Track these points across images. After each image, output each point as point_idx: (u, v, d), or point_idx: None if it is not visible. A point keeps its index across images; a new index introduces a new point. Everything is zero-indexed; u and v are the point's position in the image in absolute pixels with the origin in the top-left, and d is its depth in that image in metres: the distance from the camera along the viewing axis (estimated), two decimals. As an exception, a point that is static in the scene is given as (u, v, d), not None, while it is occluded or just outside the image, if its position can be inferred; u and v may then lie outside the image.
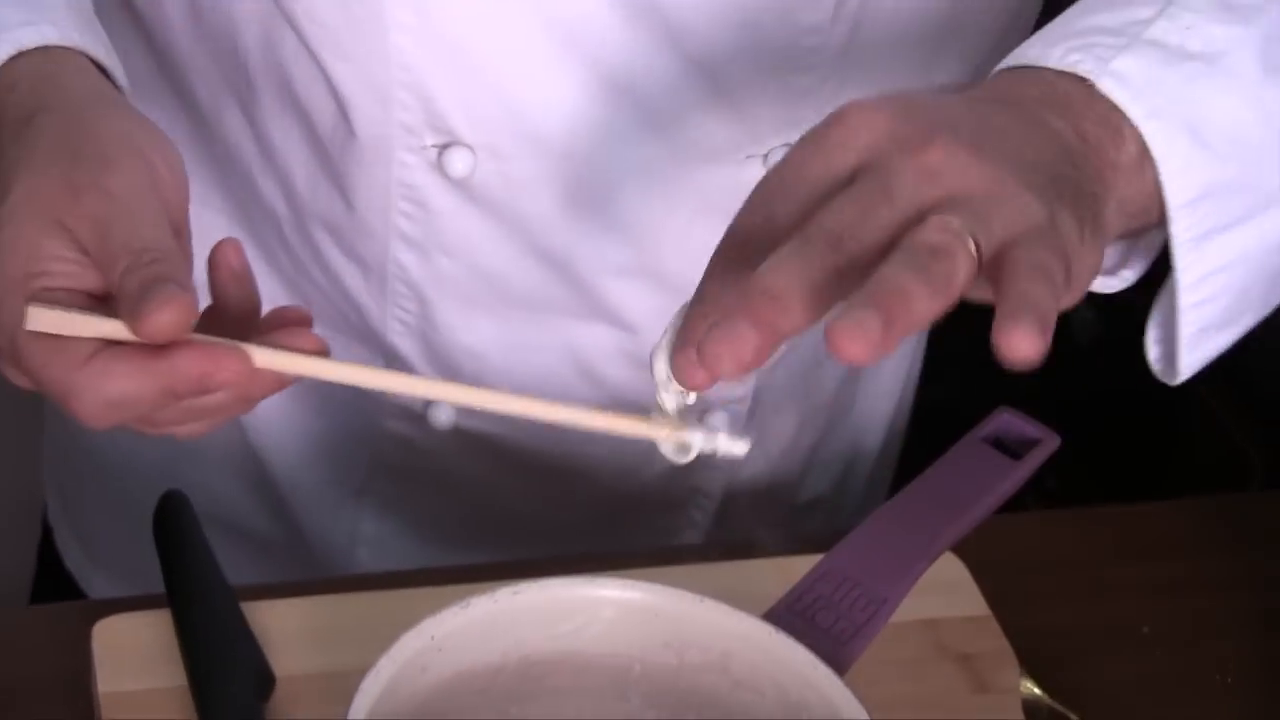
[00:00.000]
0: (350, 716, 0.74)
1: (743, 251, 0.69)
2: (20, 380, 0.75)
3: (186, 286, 0.70)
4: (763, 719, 0.81)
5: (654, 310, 1.01)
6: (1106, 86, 0.75)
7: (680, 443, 0.73)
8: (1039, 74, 0.76)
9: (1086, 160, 0.73)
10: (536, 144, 0.97)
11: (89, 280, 0.73)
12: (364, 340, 1.06)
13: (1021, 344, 0.63)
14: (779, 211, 0.69)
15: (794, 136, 0.94)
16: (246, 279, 0.76)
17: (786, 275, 0.64)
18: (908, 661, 0.93)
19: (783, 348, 0.66)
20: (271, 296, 1.07)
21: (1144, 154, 0.75)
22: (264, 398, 0.75)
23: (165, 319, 0.69)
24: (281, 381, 0.74)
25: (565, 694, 0.84)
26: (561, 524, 1.12)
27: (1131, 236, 0.79)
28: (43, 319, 0.71)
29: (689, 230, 0.99)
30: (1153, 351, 0.83)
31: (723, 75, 0.94)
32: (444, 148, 0.96)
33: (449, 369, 1.05)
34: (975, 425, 0.88)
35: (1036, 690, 0.94)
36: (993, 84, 0.77)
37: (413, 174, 0.98)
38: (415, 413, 1.07)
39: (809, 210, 0.68)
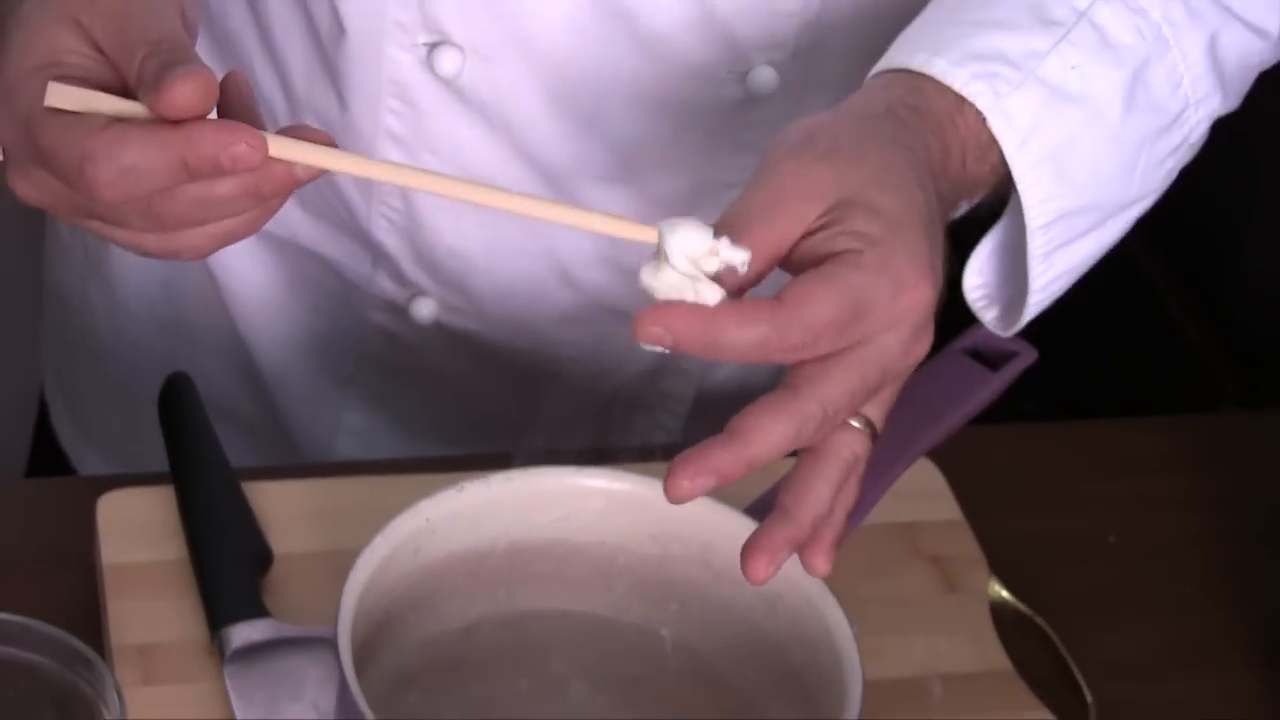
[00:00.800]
0: (345, 593, 0.77)
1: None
2: (28, 190, 0.75)
3: (204, 68, 0.70)
4: (742, 609, 0.84)
5: (631, 213, 1.00)
6: (996, 125, 0.81)
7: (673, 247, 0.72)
8: (942, 91, 0.81)
9: (941, 194, 0.79)
10: (526, 48, 0.97)
11: (104, 76, 0.73)
12: (351, 235, 1.07)
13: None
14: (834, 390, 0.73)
15: (775, 56, 0.98)
16: (250, 102, 0.75)
17: (773, 440, 0.71)
18: (882, 561, 0.95)
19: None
20: None
21: (998, 169, 0.82)
22: (274, 197, 0.73)
23: (185, 92, 0.69)
24: (291, 180, 0.72)
25: (551, 580, 0.86)
26: (537, 424, 1.12)
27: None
28: (63, 95, 0.71)
29: (670, 142, 1.00)
30: (976, 289, 0.89)
31: None
32: (434, 46, 0.97)
33: (433, 267, 1.06)
34: (954, 338, 0.91)
35: (1004, 593, 0.97)
36: (897, 104, 0.80)
37: (403, 71, 0.99)
38: (399, 306, 1.08)
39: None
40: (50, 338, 1.26)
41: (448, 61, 0.97)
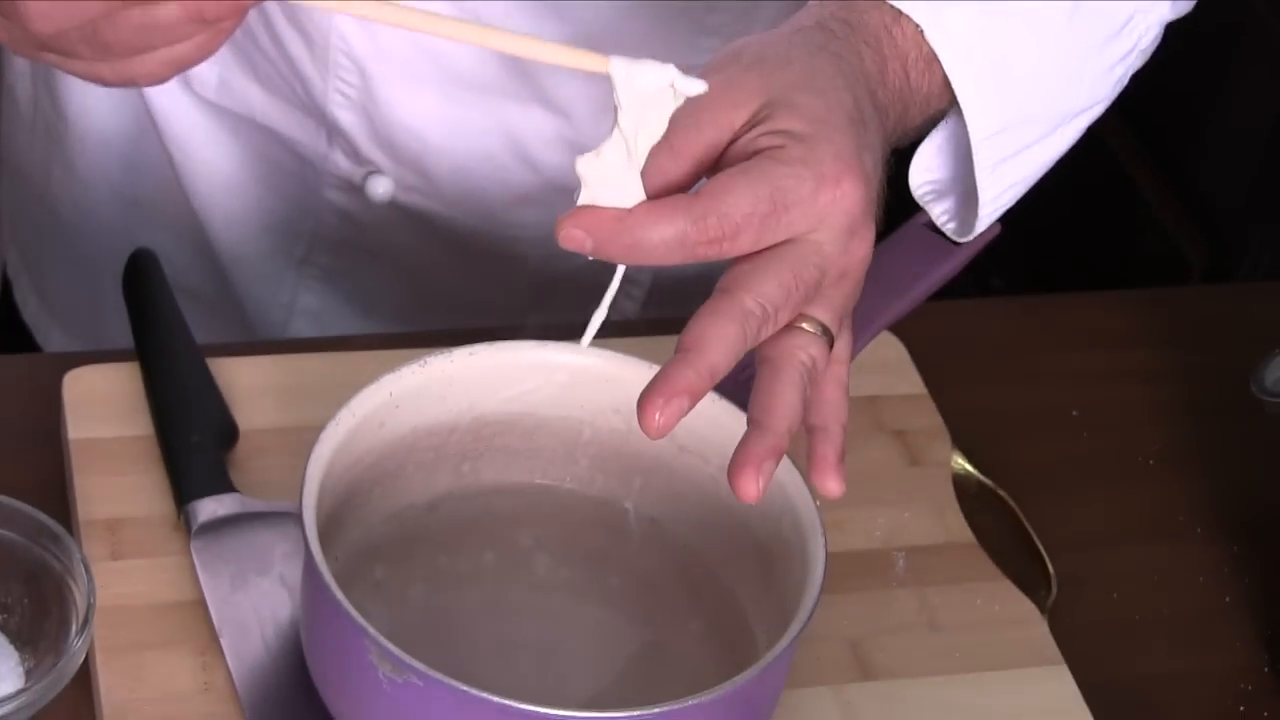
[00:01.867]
0: (309, 467, 0.78)
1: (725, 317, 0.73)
2: None
3: None
4: (706, 483, 0.85)
5: (591, 99, 1.02)
6: (933, 37, 0.80)
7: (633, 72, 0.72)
8: (875, 6, 0.80)
9: (880, 106, 0.79)
10: None
11: None
12: (307, 112, 1.07)
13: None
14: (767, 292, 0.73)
15: None
16: None
17: (721, 346, 0.71)
18: (846, 434, 0.96)
19: None
20: (220, 60, 1.08)
21: (940, 91, 0.82)
22: (219, 21, 0.71)
23: None
24: (235, 5, 0.71)
25: (516, 453, 0.87)
26: (494, 305, 1.13)
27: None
28: None
29: (628, 20, 1.00)
30: (923, 189, 0.89)
31: None
32: None
33: (389, 145, 1.06)
34: (917, 212, 0.91)
35: (967, 466, 0.98)
36: (829, 20, 0.80)
37: None
38: (354, 184, 1.08)
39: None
40: (10, 215, 1.26)
41: None
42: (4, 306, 1.27)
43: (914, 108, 0.82)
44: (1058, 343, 1.10)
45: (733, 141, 0.74)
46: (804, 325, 0.74)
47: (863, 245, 0.74)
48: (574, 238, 0.71)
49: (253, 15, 1.03)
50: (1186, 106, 0.89)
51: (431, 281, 1.14)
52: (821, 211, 0.72)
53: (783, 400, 0.73)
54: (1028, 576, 0.94)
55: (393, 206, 1.08)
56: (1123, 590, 0.96)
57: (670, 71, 0.70)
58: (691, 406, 0.70)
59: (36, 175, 1.20)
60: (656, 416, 0.70)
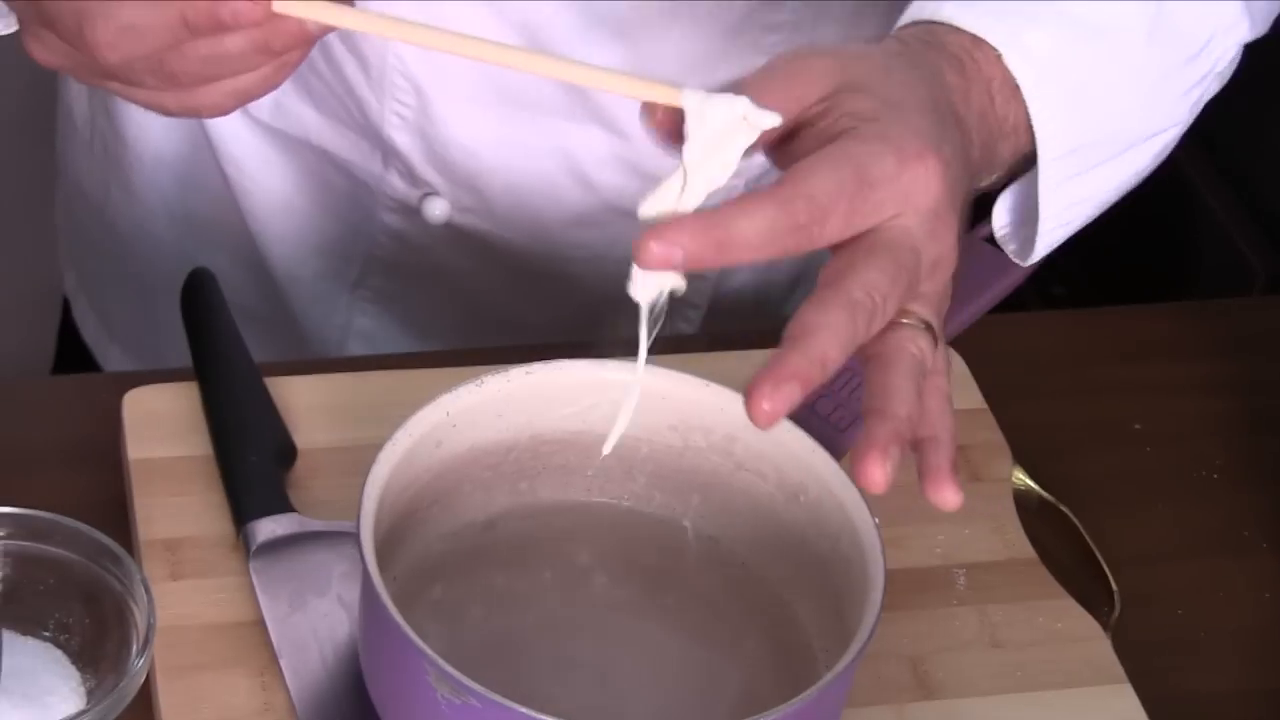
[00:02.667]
0: (367, 486, 0.78)
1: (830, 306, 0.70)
2: (41, 52, 0.75)
3: None
4: (764, 500, 0.84)
5: (663, 52, 1.02)
6: (1012, 61, 0.79)
7: (702, 102, 0.71)
8: (955, 31, 0.79)
9: (966, 126, 0.78)
10: None
11: None
12: (363, 134, 1.07)
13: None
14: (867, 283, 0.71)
15: None
16: None
17: (832, 336, 0.68)
18: (904, 451, 0.95)
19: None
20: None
21: (1019, 125, 0.80)
22: (285, 53, 0.72)
23: None
24: (302, 35, 0.71)
25: (574, 472, 0.87)
26: (549, 326, 1.12)
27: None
28: None
29: (685, 37, 1.00)
30: (1002, 227, 0.88)
31: None
32: None
33: (445, 166, 1.06)
34: (976, 226, 0.90)
35: (1028, 481, 0.97)
36: (911, 39, 0.80)
37: None
38: (411, 206, 1.08)
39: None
40: (69, 236, 1.26)
41: None
42: (64, 326, 1.27)
43: (1002, 139, 0.81)
44: (1119, 355, 1.09)
45: (805, 126, 0.72)
46: (907, 320, 0.72)
47: (949, 232, 0.73)
48: (662, 254, 0.67)
49: (314, 49, 1.03)
50: (1250, 113, 0.88)
51: (486, 303, 1.14)
52: (906, 189, 0.71)
53: (897, 388, 0.71)
54: (1090, 593, 0.93)
55: (448, 228, 1.08)
56: (1187, 606, 0.95)
57: (743, 104, 0.69)
58: (802, 395, 0.67)
59: (95, 196, 1.21)
60: (765, 404, 0.67)
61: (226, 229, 1.14)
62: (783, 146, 0.73)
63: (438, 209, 1.07)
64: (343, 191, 1.11)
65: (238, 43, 0.71)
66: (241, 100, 0.75)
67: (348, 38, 1.02)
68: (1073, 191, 0.85)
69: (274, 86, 0.75)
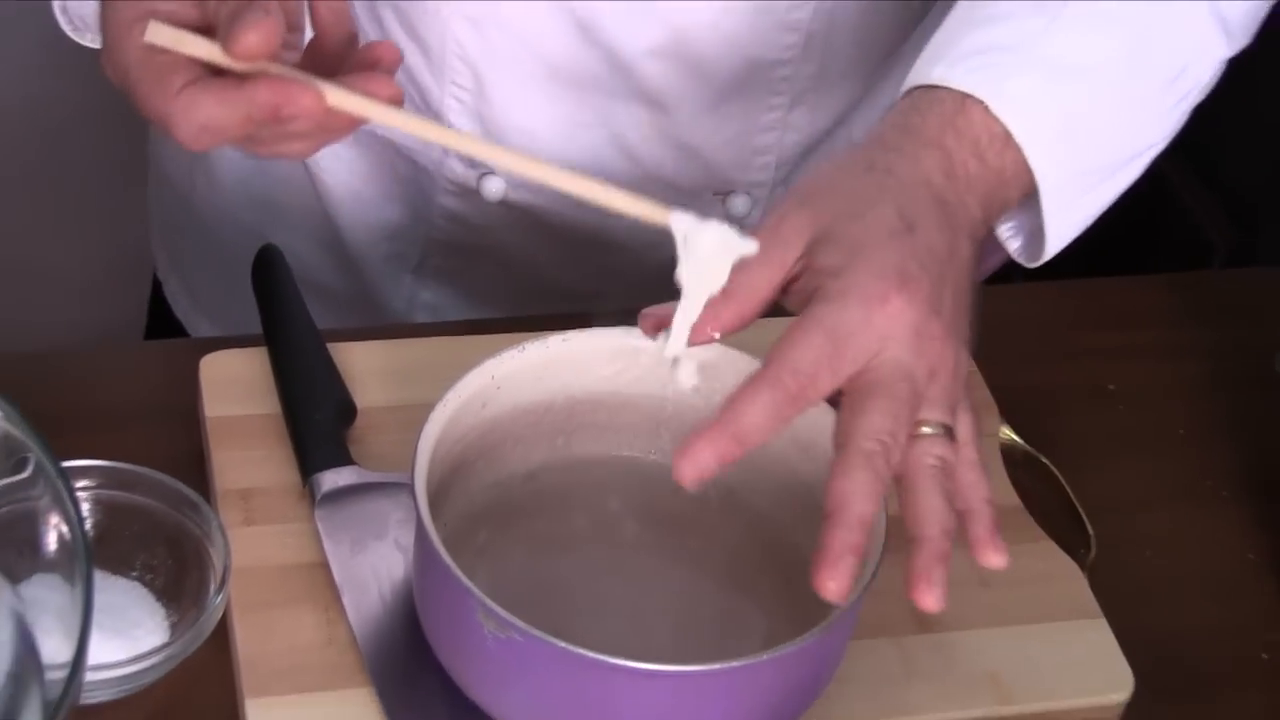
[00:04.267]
0: (420, 442, 0.77)
1: (781, 402, 0.72)
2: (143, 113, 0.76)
3: (273, 14, 0.69)
4: (778, 454, 0.83)
5: (684, 91, 1.00)
6: (1000, 110, 0.78)
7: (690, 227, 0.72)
8: (939, 99, 0.79)
9: (955, 200, 0.77)
10: None
11: (190, 17, 0.73)
12: (422, 116, 1.05)
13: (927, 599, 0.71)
14: (821, 384, 0.73)
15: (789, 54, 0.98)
16: (344, 14, 0.75)
17: (861, 499, 0.70)
18: (903, 409, 0.93)
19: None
20: None
21: (1017, 164, 0.79)
22: (345, 131, 0.75)
23: (252, 39, 0.68)
24: (354, 121, 0.73)
25: (605, 429, 0.86)
26: (597, 293, 1.11)
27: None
28: (160, 34, 0.72)
29: (718, 28, 0.98)
30: (1011, 243, 0.87)
31: None
32: None
33: (500, 140, 1.03)
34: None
35: (1014, 436, 0.96)
36: (895, 127, 0.79)
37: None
38: (469, 187, 1.06)
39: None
40: (160, 222, 1.25)
41: None
42: (156, 304, 1.26)
43: (1003, 187, 0.80)
44: (1094, 323, 1.07)
45: (790, 283, 0.75)
46: (923, 430, 0.73)
47: (934, 342, 0.73)
48: (696, 473, 0.72)
49: (372, 28, 1.02)
50: (1212, 99, 0.87)
51: (539, 273, 1.12)
52: (879, 330, 0.72)
53: (928, 508, 0.72)
54: (1069, 538, 0.92)
55: (503, 205, 1.06)
56: (1156, 549, 0.94)
57: (724, 232, 0.71)
58: (859, 560, 0.70)
59: (182, 185, 1.19)
60: (831, 585, 0.69)
61: (303, 214, 1.13)
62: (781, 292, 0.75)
63: (494, 187, 1.05)
64: (405, 177, 1.09)
65: (302, 125, 0.73)
66: (320, 148, 0.76)
67: (410, 26, 1.00)
68: (1072, 212, 0.84)
69: (345, 137, 0.77)
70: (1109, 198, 0.86)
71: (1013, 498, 0.92)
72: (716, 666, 0.72)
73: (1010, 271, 0.94)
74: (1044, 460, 0.96)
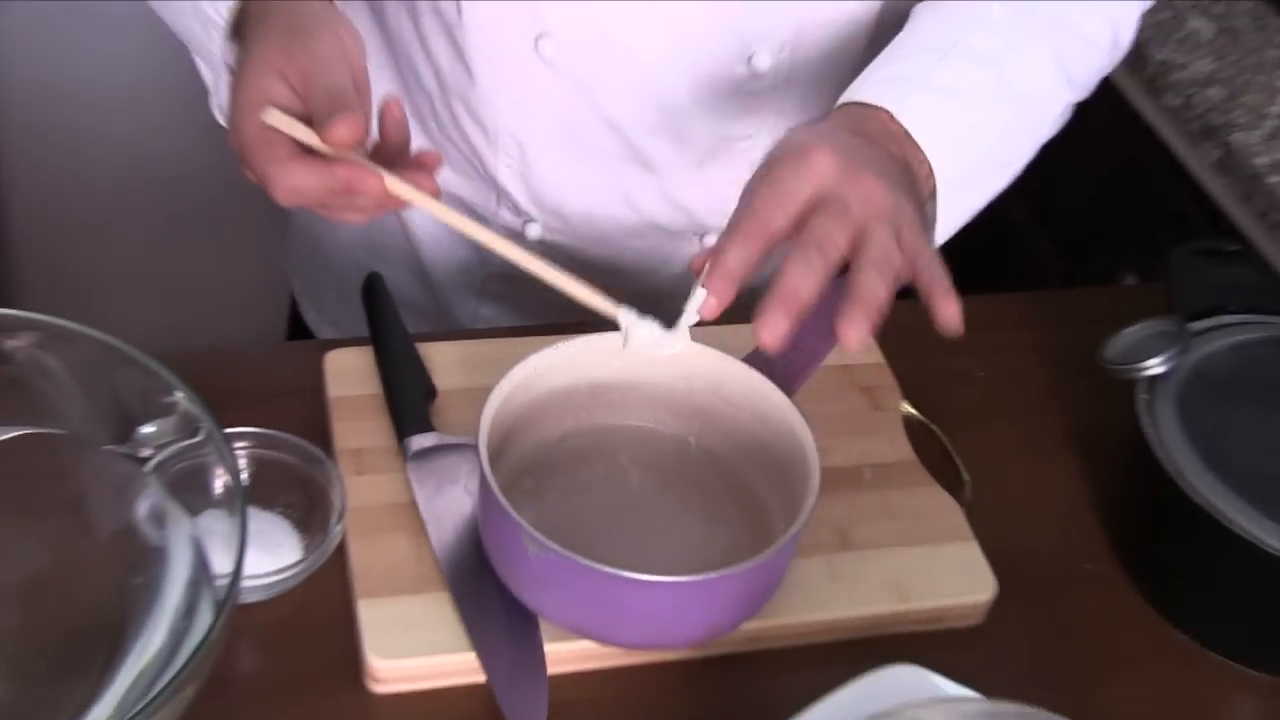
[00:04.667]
0: (483, 416, 0.76)
1: (749, 236, 0.71)
2: (250, 176, 0.76)
3: (359, 117, 0.70)
4: (743, 423, 0.81)
5: (672, 159, 0.98)
6: (904, 118, 0.78)
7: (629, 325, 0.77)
8: (869, 111, 0.78)
9: (914, 176, 0.77)
10: (602, 38, 0.92)
11: (296, 108, 0.73)
12: (482, 180, 1.03)
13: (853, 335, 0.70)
14: (775, 218, 0.71)
15: (771, 46, 0.93)
16: (403, 124, 0.76)
17: (802, 279, 0.69)
18: (829, 391, 0.92)
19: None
20: (422, 146, 1.05)
21: (923, 157, 0.79)
22: (396, 208, 0.75)
23: (342, 133, 0.70)
24: (404, 203, 0.74)
25: (617, 405, 0.84)
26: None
27: None
28: (275, 118, 0.72)
29: (696, 108, 0.96)
30: None
31: None
32: (539, 37, 0.92)
33: (539, 201, 1.02)
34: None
35: (911, 410, 0.94)
36: (847, 120, 0.78)
37: (518, 58, 0.94)
38: (516, 230, 1.04)
39: (795, 215, 0.71)
40: (295, 255, 1.24)
41: (549, 48, 0.93)
42: (293, 315, 1.25)
43: (917, 168, 0.79)
44: (968, 328, 1.03)
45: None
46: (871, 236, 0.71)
47: (860, 178, 0.71)
48: (773, 339, 0.70)
49: (445, 115, 1.00)
50: (1046, 152, 0.87)
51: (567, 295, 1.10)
52: (807, 173, 0.71)
53: (865, 279, 0.71)
54: (951, 483, 0.90)
55: (541, 244, 1.05)
56: (1012, 491, 0.92)
57: (653, 330, 0.75)
58: (790, 325, 0.69)
59: (311, 230, 1.18)
60: (766, 334, 0.69)
61: (400, 253, 1.11)
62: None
63: (534, 231, 1.04)
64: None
65: (368, 200, 0.74)
66: (371, 219, 0.77)
67: (474, 111, 0.98)
68: (959, 203, 0.82)
69: (388, 211, 0.76)
70: (984, 199, 0.84)
71: (910, 454, 0.91)
72: (697, 578, 0.71)
73: (909, 290, 0.92)
74: (933, 427, 0.94)
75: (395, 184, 0.73)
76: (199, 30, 0.80)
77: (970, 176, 0.82)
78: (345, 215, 0.76)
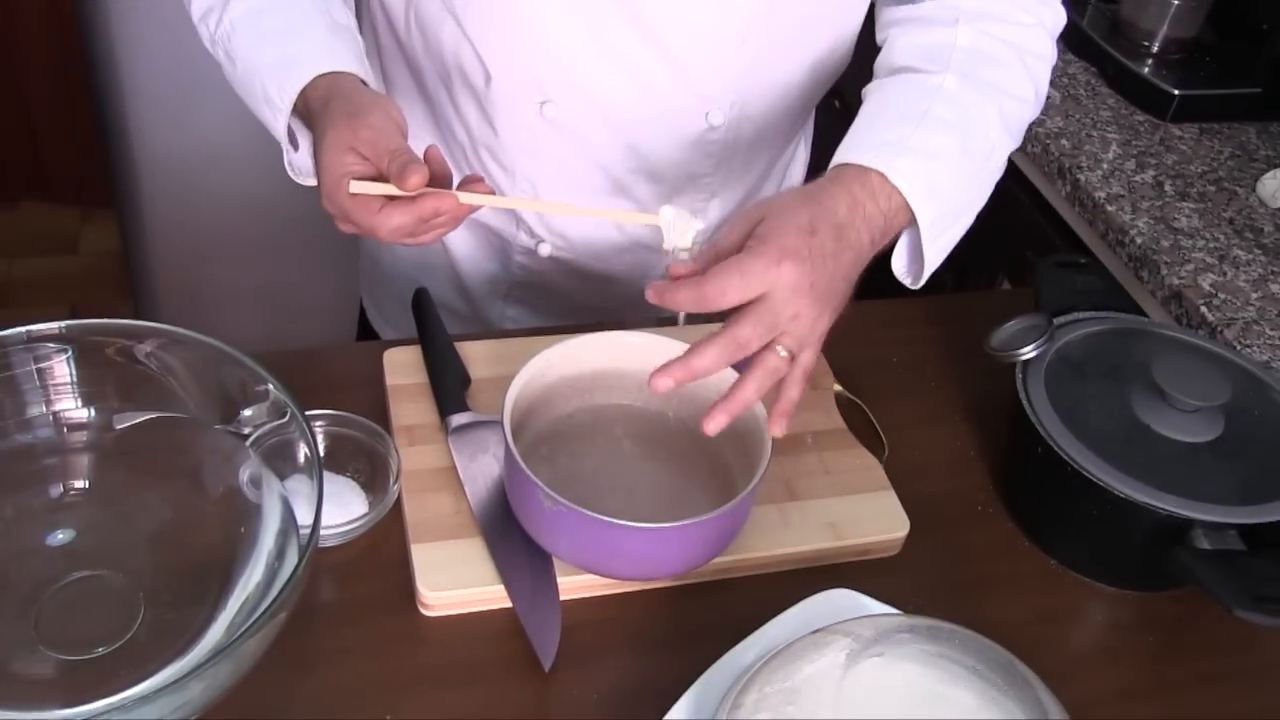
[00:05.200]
0: (507, 399, 0.73)
1: (703, 299, 0.69)
2: (348, 228, 0.75)
3: (422, 165, 0.71)
4: (710, 400, 0.77)
5: (650, 193, 0.96)
6: (894, 178, 0.75)
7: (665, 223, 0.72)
8: (854, 169, 0.75)
9: (859, 224, 0.73)
10: (592, 102, 0.90)
11: (369, 172, 0.73)
12: (505, 211, 1.01)
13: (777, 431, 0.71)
14: (728, 296, 0.68)
15: (722, 105, 0.91)
16: (443, 162, 0.75)
17: (709, 361, 0.68)
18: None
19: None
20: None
21: (904, 208, 0.75)
22: (465, 217, 0.74)
23: (415, 180, 0.70)
24: (470, 211, 0.73)
25: (613, 389, 0.82)
26: (604, 308, 1.07)
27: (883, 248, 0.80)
28: (359, 186, 0.72)
29: (666, 153, 0.94)
30: (900, 270, 0.83)
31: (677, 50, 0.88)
32: (544, 103, 0.90)
33: (549, 226, 1.00)
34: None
35: (841, 388, 0.92)
36: (825, 179, 0.75)
37: (529, 118, 0.91)
38: (531, 249, 1.02)
39: (742, 301, 0.69)
40: (364, 275, 1.21)
41: (550, 110, 0.91)
42: (362, 319, 1.22)
43: (889, 225, 0.76)
44: (885, 323, 1.02)
45: (740, 246, 0.70)
46: (777, 348, 0.69)
47: (800, 301, 0.69)
48: (664, 385, 0.68)
49: (475, 162, 0.98)
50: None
51: (575, 299, 1.07)
52: (770, 279, 0.68)
53: (745, 388, 0.70)
54: (873, 446, 0.88)
55: (551, 259, 1.02)
56: (920, 450, 0.90)
57: (686, 215, 0.71)
58: (676, 386, 0.68)
59: (377, 253, 1.15)
60: (655, 382, 0.68)
61: (442, 270, 1.08)
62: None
63: (545, 249, 1.01)
64: (494, 245, 1.04)
65: (442, 220, 0.73)
66: (441, 238, 0.75)
67: (496, 157, 0.96)
68: (939, 243, 0.80)
69: (455, 228, 0.75)
70: (956, 237, 0.82)
71: (841, 423, 0.88)
72: (675, 524, 0.69)
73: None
74: (858, 401, 0.92)
75: (464, 196, 0.73)
76: (268, 114, 0.81)
77: (946, 219, 0.79)
78: (431, 235, 0.75)
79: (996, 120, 0.82)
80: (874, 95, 0.83)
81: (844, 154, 0.77)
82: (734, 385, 0.69)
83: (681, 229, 0.71)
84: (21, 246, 2.30)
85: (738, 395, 0.69)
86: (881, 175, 0.75)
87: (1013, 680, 0.63)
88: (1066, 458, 0.80)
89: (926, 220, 0.77)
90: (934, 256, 0.80)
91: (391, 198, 0.72)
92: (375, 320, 1.20)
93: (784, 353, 0.70)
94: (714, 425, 0.68)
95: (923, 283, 0.82)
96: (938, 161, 0.78)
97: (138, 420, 0.72)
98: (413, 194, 0.72)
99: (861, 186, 0.74)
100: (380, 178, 0.73)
